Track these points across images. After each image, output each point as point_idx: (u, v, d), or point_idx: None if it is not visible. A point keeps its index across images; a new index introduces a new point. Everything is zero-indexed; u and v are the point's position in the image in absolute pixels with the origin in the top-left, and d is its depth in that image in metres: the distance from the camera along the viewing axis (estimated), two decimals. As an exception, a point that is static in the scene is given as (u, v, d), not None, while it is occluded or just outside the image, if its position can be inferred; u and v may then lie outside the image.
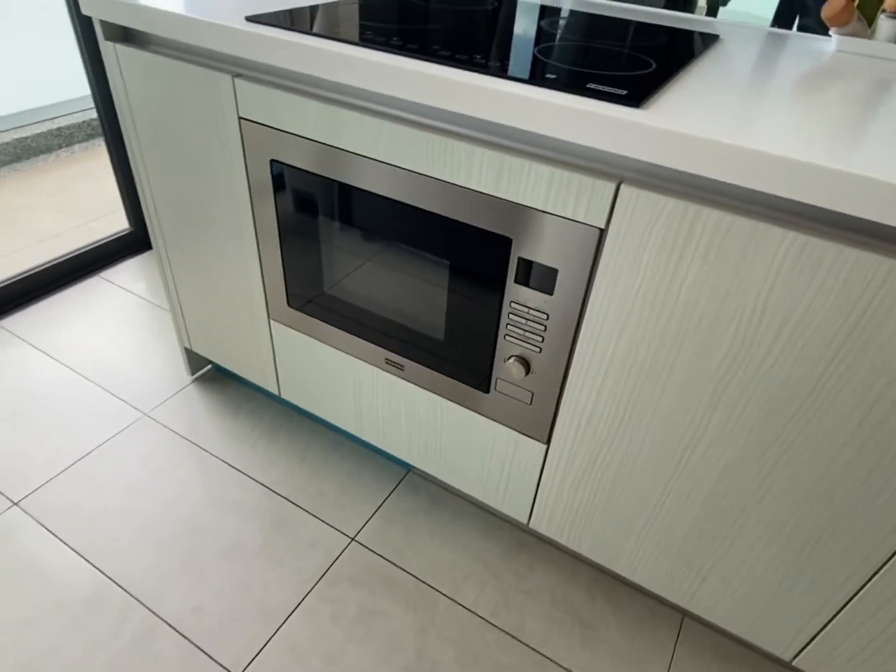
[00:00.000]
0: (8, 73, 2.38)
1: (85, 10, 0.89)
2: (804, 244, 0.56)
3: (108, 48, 0.92)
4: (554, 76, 0.66)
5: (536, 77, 0.66)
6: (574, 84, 0.64)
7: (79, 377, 1.36)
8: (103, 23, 0.91)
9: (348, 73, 0.71)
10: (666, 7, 1.35)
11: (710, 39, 0.91)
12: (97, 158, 2.47)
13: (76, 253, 1.65)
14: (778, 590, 0.81)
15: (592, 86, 0.64)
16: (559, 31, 0.87)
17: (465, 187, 0.72)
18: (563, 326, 0.75)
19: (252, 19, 0.79)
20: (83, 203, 2.11)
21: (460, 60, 0.69)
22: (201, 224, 1.04)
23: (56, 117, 2.49)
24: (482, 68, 0.67)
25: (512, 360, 0.82)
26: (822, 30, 1.16)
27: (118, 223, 1.79)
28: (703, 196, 0.61)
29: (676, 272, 0.64)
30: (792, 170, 0.53)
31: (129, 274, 1.70)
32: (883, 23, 0.88)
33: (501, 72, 0.66)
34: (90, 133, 2.55)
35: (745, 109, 0.62)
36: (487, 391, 0.89)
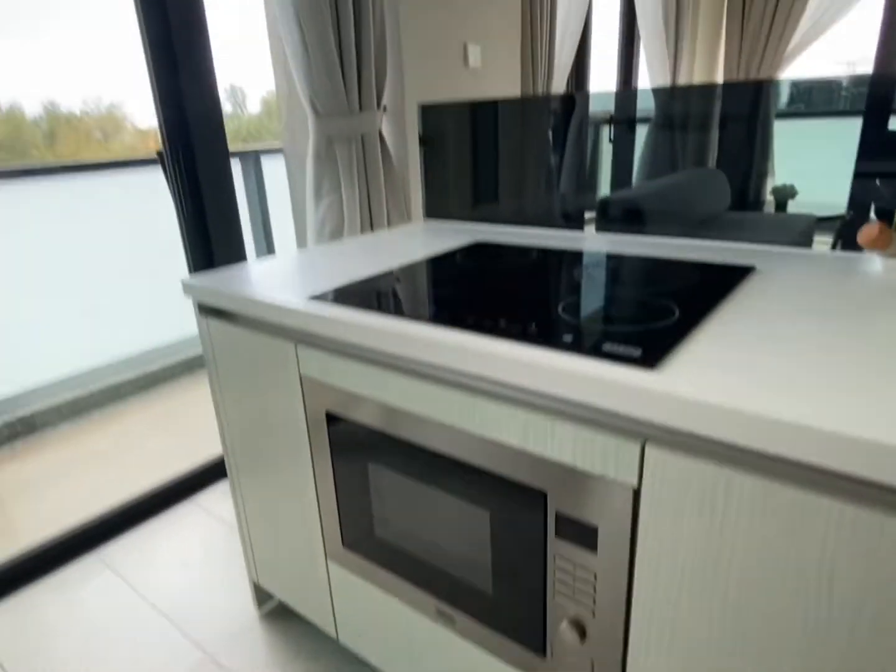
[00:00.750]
0: (148, 316, 2.84)
1: (185, 294, 1.08)
2: (854, 517, 0.50)
3: (201, 320, 1.09)
4: (571, 337, 0.69)
5: (553, 340, 0.69)
6: (590, 346, 0.67)
7: (154, 612, 1.38)
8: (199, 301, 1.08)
9: (386, 343, 0.79)
10: (732, 208, 1.34)
11: (743, 272, 0.93)
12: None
13: (173, 480, 1.79)
14: None
15: (608, 347, 0.66)
16: (589, 282, 0.93)
17: (496, 441, 0.73)
18: (614, 589, 0.69)
19: (314, 298, 0.91)
20: (191, 428, 2.33)
21: (484, 327, 0.74)
22: (267, 461, 1.10)
23: (183, 349, 2.89)
24: (504, 334, 0.72)
25: (565, 623, 0.74)
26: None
27: (217, 447, 1.94)
28: (735, 457, 0.57)
29: (722, 538, 0.58)
30: (824, 441, 0.49)
31: (219, 497, 1.80)
32: (927, 245, 0.87)
33: (521, 337, 0.70)
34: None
35: (772, 361, 0.61)
36: (543, 656, 0.79)
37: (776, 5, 3.47)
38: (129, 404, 2.58)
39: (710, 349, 0.65)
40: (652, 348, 0.65)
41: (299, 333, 0.92)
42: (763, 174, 1.20)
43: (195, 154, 1.54)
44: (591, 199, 1.35)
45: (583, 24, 2.49)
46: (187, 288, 1.07)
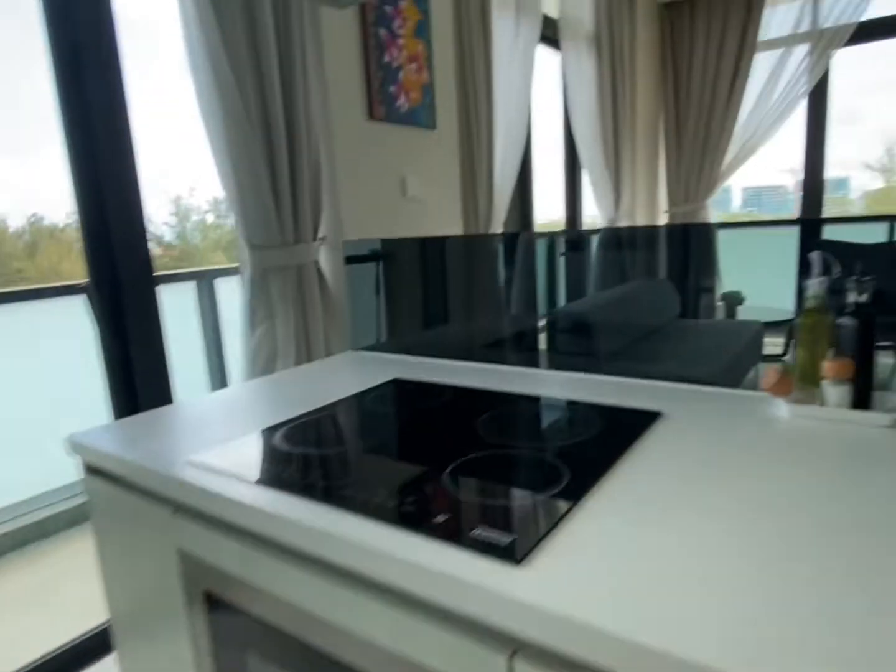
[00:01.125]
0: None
1: (71, 453, 1.00)
2: None
3: (87, 476, 1.01)
4: (443, 516, 0.63)
5: (418, 521, 0.63)
6: (456, 530, 0.60)
7: None
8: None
9: (245, 517, 0.72)
10: (681, 315, 1.35)
11: (650, 419, 0.89)
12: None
13: (85, 636, 1.61)
14: None
15: (477, 532, 0.60)
16: (488, 434, 0.88)
17: (371, 642, 0.64)
18: None
19: (190, 462, 0.84)
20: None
21: (352, 503, 0.68)
22: (147, 637, 0.98)
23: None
24: (368, 511, 0.65)
25: None
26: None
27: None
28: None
29: None
30: None
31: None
32: (827, 389, 0.84)
33: (385, 515, 0.64)
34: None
35: (654, 554, 0.55)
36: None
37: (706, 129, 3.76)
38: (51, 543, 2.39)
39: (588, 533, 0.59)
40: (523, 534, 0.59)
41: (175, 503, 0.85)
42: (710, 286, 1.24)
43: (121, 288, 1.51)
44: (538, 317, 1.39)
45: (523, 150, 2.62)
46: (74, 447, 0.99)
